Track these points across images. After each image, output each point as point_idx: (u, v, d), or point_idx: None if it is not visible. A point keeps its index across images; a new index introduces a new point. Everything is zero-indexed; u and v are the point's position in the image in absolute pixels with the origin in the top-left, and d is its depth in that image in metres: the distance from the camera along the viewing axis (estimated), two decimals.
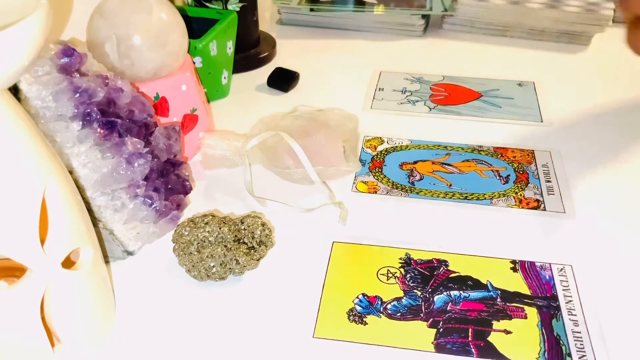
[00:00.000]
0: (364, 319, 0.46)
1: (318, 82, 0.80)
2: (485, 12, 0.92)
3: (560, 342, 0.44)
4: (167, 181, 0.53)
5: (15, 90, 0.45)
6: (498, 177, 0.61)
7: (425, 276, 0.49)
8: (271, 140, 0.60)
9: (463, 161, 0.64)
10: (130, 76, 0.56)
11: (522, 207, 0.57)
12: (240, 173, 0.61)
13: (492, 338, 0.44)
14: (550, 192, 0.59)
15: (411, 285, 0.49)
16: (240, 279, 0.49)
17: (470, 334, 0.44)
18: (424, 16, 0.93)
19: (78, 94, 0.46)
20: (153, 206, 0.50)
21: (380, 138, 0.68)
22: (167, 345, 0.44)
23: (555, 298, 0.47)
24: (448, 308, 0.47)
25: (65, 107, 0.46)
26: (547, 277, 0.49)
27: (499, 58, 0.87)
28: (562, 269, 0.50)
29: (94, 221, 0.48)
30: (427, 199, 0.58)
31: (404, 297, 0.47)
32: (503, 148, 0.66)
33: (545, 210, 0.57)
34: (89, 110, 0.47)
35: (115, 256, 0.51)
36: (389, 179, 0.61)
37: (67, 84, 0.46)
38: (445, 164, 0.63)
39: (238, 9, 0.79)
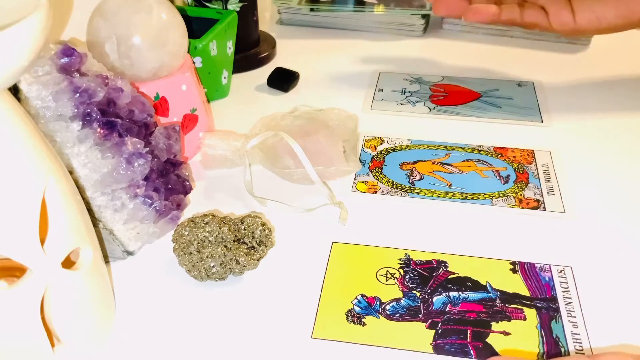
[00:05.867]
0: (363, 320, 0.46)
1: (318, 82, 0.80)
2: None
3: (560, 343, 0.44)
4: (167, 181, 0.53)
5: (15, 90, 0.45)
6: (498, 177, 0.61)
7: (424, 277, 0.49)
8: (271, 140, 0.60)
9: (463, 161, 0.64)
10: (130, 76, 0.56)
11: (522, 207, 0.57)
12: (240, 173, 0.61)
13: (491, 339, 0.44)
14: (550, 192, 0.59)
15: (410, 286, 0.49)
16: (240, 279, 0.49)
17: (469, 335, 0.45)
18: (424, 16, 0.93)
19: (78, 94, 0.46)
20: (153, 206, 0.50)
21: (380, 138, 0.68)
22: (167, 345, 0.44)
23: (554, 300, 0.47)
24: (447, 309, 0.47)
25: (65, 107, 0.46)
26: (547, 279, 0.49)
27: (498, 58, 0.87)
28: (561, 271, 0.50)
29: (94, 221, 0.48)
30: (427, 199, 0.58)
31: (403, 298, 0.48)
32: (503, 148, 0.66)
33: (545, 210, 0.57)
34: (89, 110, 0.47)
35: (115, 256, 0.51)
36: (389, 178, 0.61)
37: (67, 84, 0.46)
38: (445, 163, 0.63)
39: (238, 9, 0.79)
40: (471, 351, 0.43)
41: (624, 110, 0.74)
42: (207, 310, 0.47)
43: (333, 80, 0.81)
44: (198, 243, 0.48)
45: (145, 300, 0.47)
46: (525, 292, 0.48)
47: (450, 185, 0.60)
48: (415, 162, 0.63)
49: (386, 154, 0.65)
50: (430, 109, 0.74)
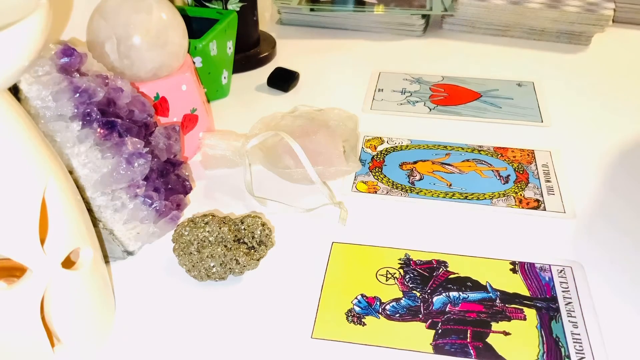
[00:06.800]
0: (363, 320, 0.46)
1: (318, 82, 0.80)
2: (485, 12, 0.92)
3: (560, 343, 0.44)
4: (167, 181, 0.53)
5: (15, 90, 0.45)
6: (498, 177, 0.61)
7: (424, 277, 0.49)
8: (271, 140, 0.60)
9: (463, 161, 0.64)
10: (130, 76, 0.56)
11: (522, 207, 0.57)
12: (240, 173, 0.61)
13: (491, 339, 0.44)
14: (550, 192, 0.59)
15: (410, 286, 0.49)
16: (240, 279, 0.49)
17: (469, 335, 0.45)
18: (424, 16, 0.93)
19: (78, 94, 0.46)
20: (153, 206, 0.50)
21: (380, 138, 0.68)
22: (167, 345, 0.44)
23: (554, 300, 0.47)
24: (447, 309, 0.47)
25: (65, 107, 0.46)
26: (547, 279, 0.49)
27: (498, 58, 0.87)
28: (561, 271, 0.50)
29: (94, 221, 0.48)
30: (427, 199, 0.58)
31: (403, 298, 0.48)
32: (503, 148, 0.66)
33: (545, 210, 0.57)
34: (89, 110, 0.47)
35: (115, 256, 0.51)
36: (389, 178, 0.61)
37: (67, 84, 0.46)
38: (445, 163, 0.63)
39: (238, 9, 0.79)
40: (471, 351, 0.43)
41: (623, 110, 0.74)
42: (207, 310, 0.47)
43: (333, 80, 0.81)
44: (198, 243, 0.48)
45: (145, 300, 0.47)
46: (525, 292, 0.48)
47: (450, 185, 0.60)
48: (415, 162, 0.63)
49: (386, 154, 0.65)
50: (430, 109, 0.74)
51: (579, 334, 0.44)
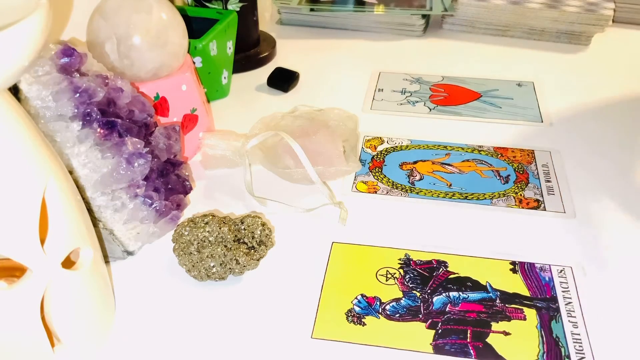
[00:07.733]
0: (363, 320, 0.46)
1: (318, 82, 0.80)
2: (485, 12, 0.92)
3: (560, 343, 0.44)
4: (167, 181, 0.53)
5: (15, 90, 0.45)
6: (498, 177, 0.61)
7: (424, 277, 0.49)
8: (271, 140, 0.60)
9: (463, 161, 0.64)
10: (130, 76, 0.56)
11: (522, 207, 0.57)
12: (240, 173, 0.61)
13: (491, 339, 0.44)
14: (550, 192, 0.59)
15: (410, 286, 0.49)
16: (240, 279, 0.49)
17: (469, 335, 0.45)
18: (424, 16, 0.93)
19: (78, 94, 0.46)
20: (153, 206, 0.50)
21: (380, 138, 0.68)
22: (167, 345, 0.44)
23: (554, 299, 0.47)
24: (447, 309, 0.47)
25: (65, 107, 0.46)
26: (547, 279, 0.49)
27: (498, 58, 0.87)
28: (561, 271, 0.50)
29: (94, 221, 0.48)
30: (427, 199, 0.58)
31: (403, 298, 0.48)
32: (503, 148, 0.66)
33: (545, 210, 0.57)
34: (89, 110, 0.47)
35: (115, 256, 0.51)
36: (389, 178, 0.61)
37: (67, 84, 0.46)
38: (445, 163, 0.63)
39: (238, 9, 0.79)
40: (471, 351, 0.43)
41: (623, 110, 0.74)
42: (207, 310, 0.47)
43: (333, 80, 0.81)
44: (198, 243, 0.48)
45: (145, 300, 0.47)
46: (525, 292, 0.48)
47: (450, 185, 0.60)
48: (415, 162, 0.63)
49: (386, 154, 0.65)
50: (430, 109, 0.74)
51: (579, 334, 0.44)
